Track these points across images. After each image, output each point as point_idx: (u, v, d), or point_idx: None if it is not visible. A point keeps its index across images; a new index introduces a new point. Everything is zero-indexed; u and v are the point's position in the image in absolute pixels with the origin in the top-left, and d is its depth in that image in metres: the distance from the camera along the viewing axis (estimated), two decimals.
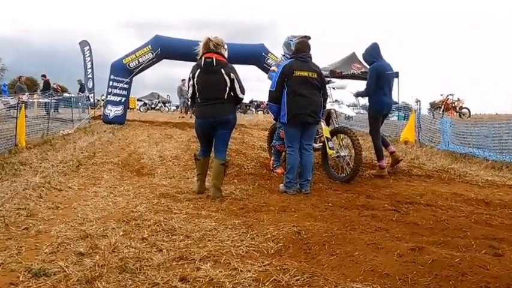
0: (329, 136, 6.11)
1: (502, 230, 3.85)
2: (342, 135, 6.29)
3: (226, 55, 5.13)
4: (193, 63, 5.16)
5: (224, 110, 5.03)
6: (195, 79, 4.98)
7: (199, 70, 4.98)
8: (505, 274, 2.76)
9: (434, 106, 21.74)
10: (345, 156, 6.24)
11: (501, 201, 5.09)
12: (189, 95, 5.17)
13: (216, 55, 4.98)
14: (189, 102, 5.35)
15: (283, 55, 6.65)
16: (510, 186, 6.09)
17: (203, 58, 4.97)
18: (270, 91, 5.44)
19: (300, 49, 5.47)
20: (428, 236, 3.68)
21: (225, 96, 5.00)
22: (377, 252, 3.19)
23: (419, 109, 12.30)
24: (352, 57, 25.57)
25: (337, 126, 6.59)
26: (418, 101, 12.30)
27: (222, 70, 4.97)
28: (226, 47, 5.17)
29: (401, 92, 26.13)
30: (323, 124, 6.13)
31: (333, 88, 6.70)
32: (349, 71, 24.38)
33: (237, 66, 5.34)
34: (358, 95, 7.23)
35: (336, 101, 6.73)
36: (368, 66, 7.03)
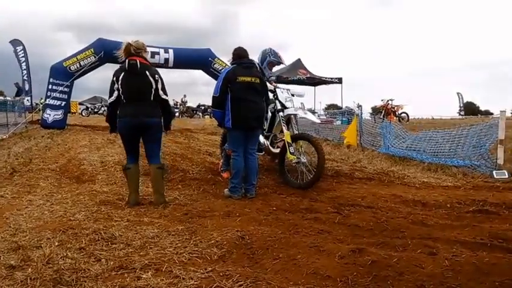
0: (290, 141, 6.08)
1: (436, 230, 4.02)
2: (302, 142, 6.30)
3: (148, 58, 5.18)
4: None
5: (150, 111, 4.98)
6: (120, 82, 4.87)
7: (123, 73, 4.89)
8: (439, 272, 2.88)
9: (375, 111, 22.51)
10: (305, 162, 6.22)
11: (436, 201, 5.32)
12: (113, 99, 4.94)
13: (139, 58, 4.95)
14: (109, 108, 5.10)
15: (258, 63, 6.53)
16: (444, 187, 6.37)
17: (127, 61, 4.90)
18: (213, 97, 5.40)
19: (241, 55, 5.48)
20: (369, 237, 3.77)
21: (151, 98, 4.97)
22: (319, 255, 3.23)
23: (361, 113, 12.65)
24: (298, 63, 26.07)
25: (297, 132, 6.57)
26: (359, 106, 12.66)
27: (147, 72, 4.96)
28: (148, 50, 5.20)
29: (344, 98, 26.84)
30: (285, 129, 6.13)
31: (293, 95, 6.75)
32: (295, 77, 24.82)
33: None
34: None
35: (301, 108, 6.80)
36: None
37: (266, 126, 6.47)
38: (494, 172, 6.97)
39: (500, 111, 7.54)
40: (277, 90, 6.49)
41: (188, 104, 36.34)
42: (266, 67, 6.58)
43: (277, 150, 6.51)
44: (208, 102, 38.97)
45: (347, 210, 4.75)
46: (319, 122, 11.59)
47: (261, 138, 6.33)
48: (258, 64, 6.04)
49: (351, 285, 2.76)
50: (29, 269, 2.95)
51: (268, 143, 6.62)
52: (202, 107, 38.39)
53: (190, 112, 35.69)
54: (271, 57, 6.56)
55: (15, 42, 20.50)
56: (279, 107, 6.36)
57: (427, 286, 2.71)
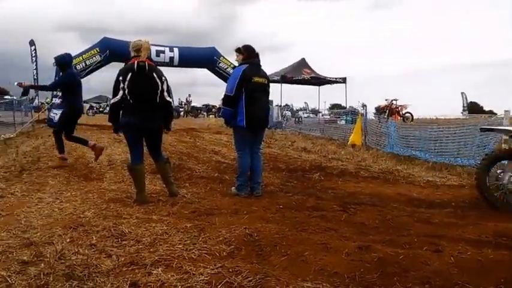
0: None
1: (441, 228, 4.07)
2: None
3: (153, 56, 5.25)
4: None
5: (156, 114, 5.07)
6: (126, 82, 4.89)
7: (131, 73, 4.90)
8: (445, 269, 2.93)
9: (379, 111, 22.51)
10: None
11: (441, 200, 5.37)
12: (118, 98, 4.94)
13: (147, 59, 5.00)
14: (113, 108, 5.11)
15: None
16: (449, 186, 6.41)
17: (136, 62, 4.93)
18: (226, 95, 5.38)
19: (252, 53, 5.50)
20: (375, 235, 3.82)
21: (157, 100, 5.04)
22: (326, 252, 3.28)
23: (366, 113, 12.70)
24: (302, 63, 26.09)
25: None
26: (364, 106, 12.70)
27: (154, 73, 5.03)
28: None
29: (348, 97, 26.85)
30: None
31: None
32: (299, 76, 24.84)
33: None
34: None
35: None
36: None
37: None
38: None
39: (505, 110, 7.59)
40: None
41: (193, 104, 36.45)
42: None
43: None
44: (212, 102, 39.21)
45: (353, 208, 4.79)
46: None
47: None
48: None
49: (358, 282, 2.80)
50: (42, 265, 3.01)
51: None
52: (207, 107, 38.53)
53: (195, 112, 35.78)
54: None
55: (31, 42, 20.71)
56: None
57: (432, 282, 2.76)
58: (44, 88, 8.85)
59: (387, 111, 21.00)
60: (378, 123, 13.44)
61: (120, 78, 4.91)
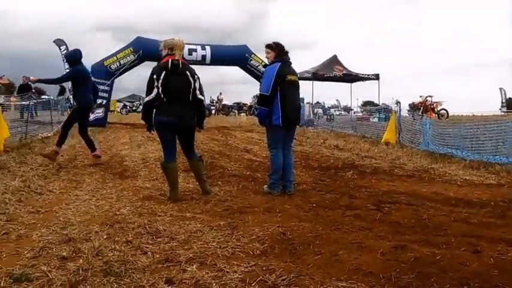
0: None
1: (480, 228, 3.95)
2: None
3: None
4: None
5: (190, 112, 5.13)
6: (161, 81, 4.92)
7: (164, 72, 4.94)
8: (484, 270, 2.85)
9: (413, 107, 22.08)
10: None
11: (479, 199, 5.21)
12: (152, 97, 4.97)
13: (180, 58, 5.05)
14: (146, 106, 5.15)
15: None
16: (487, 185, 6.22)
17: (170, 60, 4.96)
18: (262, 95, 5.36)
19: (283, 51, 5.47)
20: (410, 235, 3.74)
21: (190, 98, 5.08)
22: (361, 251, 3.24)
23: (400, 110, 12.47)
24: (334, 60, 25.84)
25: None
26: (398, 103, 12.48)
27: (187, 72, 5.07)
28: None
29: (381, 94, 26.42)
30: None
31: None
32: (331, 73, 24.62)
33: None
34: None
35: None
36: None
37: None
38: None
39: None
40: None
41: (224, 102, 36.64)
42: None
43: None
44: (242, 99, 39.33)
45: (387, 207, 4.72)
46: None
47: None
48: None
49: (393, 282, 2.76)
50: (80, 260, 3.09)
51: None
52: (238, 105, 38.66)
53: (226, 110, 35.96)
54: None
55: (59, 42, 21.18)
56: None
57: (471, 284, 2.69)
58: (50, 81, 9.06)
59: (422, 108, 20.57)
60: (412, 120, 13.16)
61: (154, 76, 4.94)
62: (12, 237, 3.66)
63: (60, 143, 7.56)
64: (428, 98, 20.86)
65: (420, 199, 5.17)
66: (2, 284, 2.73)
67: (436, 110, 20.88)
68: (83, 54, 7.49)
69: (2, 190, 5.24)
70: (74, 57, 7.56)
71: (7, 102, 15.53)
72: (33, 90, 20.01)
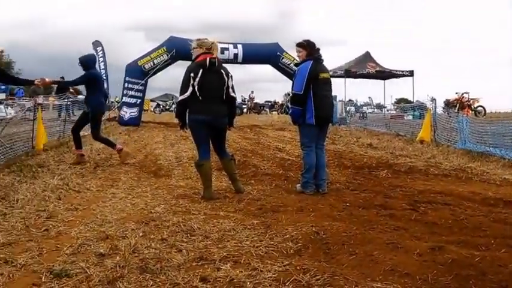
0: None
1: None
2: None
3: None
4: None
5: (224, 110, 5.17)
6: (197, 79, 4.94)
7: (202, 70, 4.96)
8: None
9: (449, 104, 21.50)
10: None
11: None
12: (187, 94, 4.98)
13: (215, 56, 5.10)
14: (181, 104, 5.16)
15: None
16: None
17: (207, 58, 4.98)
18: (295, 94, 5.34)
19: (315, 48, 5.43)
20: (448, 235, 3.66)
21: (224, 96, 5.13)
22: (396, 252, 3.19)
23: (435, 108, 12.18)
24: (367, 56, 25.46)
25: None
26: (433, 100, 12.18)
27: (222, 70, 5.12)
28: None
29: (416, 91, 25.79)
30: None
31: None
32: (363, 70, 24.28)
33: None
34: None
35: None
36: None
37: None
38: None
39: None
40: None
41: (255, 100, 36.69)
42: None
43: None
44: (272, 98, 39.27)
45: (423, 207, 4.63)
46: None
47: None
48: None
49: (431, 284, 2.70)
50: (117, 257, 3.16)
51: None
52: (269, 103, 38.64)
53: (258, 108, 36.00)
54: None
55: (95, 43, 21.71)
56: None
57: None
58: (65, 83, 9.53)
59: (458, 105, 20.01)
60: (448, 118, 12.83)
61: (192, 74, 4.95)
62: (52, 233, 3.78)
63: (78, 146, 7.72)
64: (465, 95, 20.27)
65: (457, 199, 5.04)
66: (43, 279, 2.83)
67: (472, 106, 20.28)
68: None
69: (42, 188, 5.43)
70: (88, 61, 7.70)
71: (46, 102, 16.03)
72: (71, 90, 20.58)
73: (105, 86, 20.81)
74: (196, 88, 4.95)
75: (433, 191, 5.44)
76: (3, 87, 14.16)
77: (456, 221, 4.08)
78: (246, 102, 35.57)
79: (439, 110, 14.75)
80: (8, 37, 71.87)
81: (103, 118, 16.02)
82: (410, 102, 25.90)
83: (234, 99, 5.33)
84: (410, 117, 18.48)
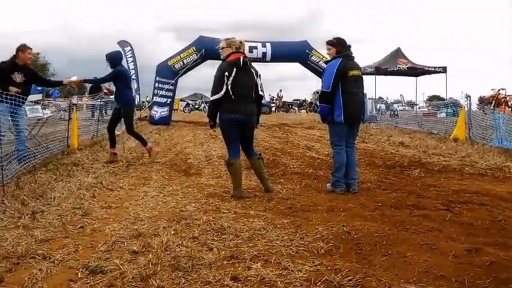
0: None
1: None
2: None
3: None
4: None
5: (254, 109, 5.22)
6: (231, 78, 4.94)
7: (235, 69, 4.96)
8: None
9: (483, 101, 20.91)
10: None
11: None
12: (221, 94, 4.96)
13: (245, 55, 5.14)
14: (214, 103, 5.12)
15: None
16: None
17: (241, 57, 5.00)
18: (323, 92, 5.30)
19: (345, 46, 5.36)
20: (485, 237, 3.55)
21: (253, 95, 5.17)
22: (431, 253, 3.13)
23: (470, 105, 11.86)
24: (398, 53, 24.98)
25: None
26: (468, 97, 11.86)
27: (252, 69, 5.16)
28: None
29: (449, 88, 25.11)
30: None
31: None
32: (394, 67, 23.82)
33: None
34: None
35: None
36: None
37: None
38: None
39: None
40: None
41: (284, 99, 36.63)
42: None
43: None
44: (301, 96, 39.09)
45: (458, 207, 4.51)
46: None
47: None
48: None
49: (467, 286, 2.63)
50: (150, 255, 3.21)
51: None
52: (298, 101, 38.49)
53: (286, 107, 35.93)
54: None
55: (123, 43, 22.04)
56: None
57: None
58: (94, 81, 9.82)
59: (493, 101, 19.43)
60: (483, 115, 12.45)
61: (226, 73, 4.94)
62: (87, 231, 3.88)
63: (112, 144, 7.86)
64: (501, 91, 19.65)
65: (494, 199, 4.89)
66: (79, 275, 2.90)
67: (509, 103, 19.65)
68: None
69: (77, 186, 5.57)
70: (115, 58, 7.80)
71: (80, 102, 16.42)
72: (105, 90, 21.02)
73: (136, 85, 21.23)
74: (229, 87, 4.95)
75: (469, 191, 5.30)
76: (39, 88, 14.61)
77: (494, 222, 3.95)
78: (275, 101, 35.55)
79: (474, 107, 14.32)
80: (44, 40, 74.02)
81: (134, 118, 16.34)
82: (443, 99, 25.31)
83: (262, 97, 5.40)
84: (444, 114, 18.05)
